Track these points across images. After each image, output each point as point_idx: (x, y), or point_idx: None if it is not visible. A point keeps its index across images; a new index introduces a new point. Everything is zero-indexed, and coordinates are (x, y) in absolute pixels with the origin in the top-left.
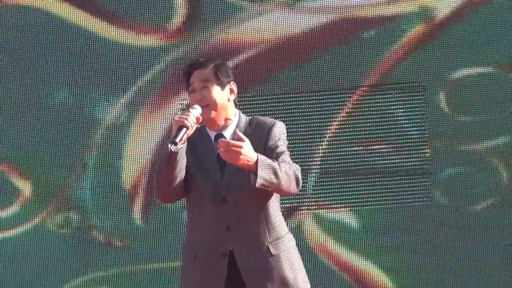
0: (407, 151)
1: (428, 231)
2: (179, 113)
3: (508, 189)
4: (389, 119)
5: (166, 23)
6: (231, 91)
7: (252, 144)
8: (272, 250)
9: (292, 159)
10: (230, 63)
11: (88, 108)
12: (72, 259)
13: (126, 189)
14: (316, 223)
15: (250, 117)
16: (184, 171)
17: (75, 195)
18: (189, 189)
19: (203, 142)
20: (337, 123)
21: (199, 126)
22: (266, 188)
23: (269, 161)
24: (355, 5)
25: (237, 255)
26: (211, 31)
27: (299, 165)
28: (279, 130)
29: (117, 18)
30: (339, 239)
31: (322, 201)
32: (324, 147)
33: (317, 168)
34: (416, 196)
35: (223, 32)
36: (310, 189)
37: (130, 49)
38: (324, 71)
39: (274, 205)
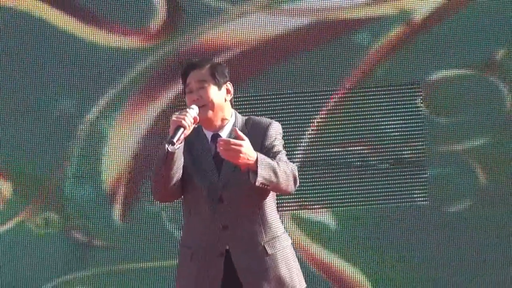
0: (387, 150)
1: (408, 231)
2: (177, 113)
3: (487, 190)
4: (367, 120)
5: (147, 25)
6: (228, 91)
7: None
8: (268, 250)
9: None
10: None
11: (68, 109)
12: (53, 259)
13: (106, 190)
14: (295, 223)
15: (246, 117)
16: (181, 171)
17: (56, 195)
18: (186, 189)
19: (200, 142)
20: (316, 125)
21: (196, 126)
22: (265, 186)
23: (269, 160)
24: (335, 8)
25: (233, 254)
26: (190, 33)
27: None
28: (275, 130)
29: (97, 19)
30: (317, 239)
31: (300, 201)
32: (300, 151)
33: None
34: (397, 195)
35: (202, 34)
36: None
37: (109, 51)
38: (304, 72)
39: (270, 204)
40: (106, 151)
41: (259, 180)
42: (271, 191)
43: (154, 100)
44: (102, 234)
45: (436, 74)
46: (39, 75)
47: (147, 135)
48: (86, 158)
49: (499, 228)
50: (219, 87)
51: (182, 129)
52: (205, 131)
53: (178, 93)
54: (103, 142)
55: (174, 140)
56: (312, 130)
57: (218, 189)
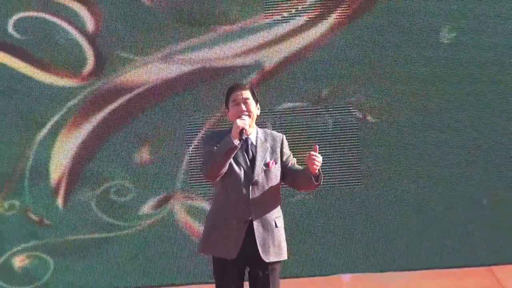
0: None
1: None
2: (239, 120)
3: None
4: None
5: (80, 70)
6: (258, 108)
7: (270, 148)
8: (276, 224)
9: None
10: (123, 99)
11: (24, 126)
12: (14, 233)
13: (52, 185)
14: (185, 210)
15: (260, 129)
16: None
17: (17, 187)
18: (226, 174)
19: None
20: None
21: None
22: (317, 183)
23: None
24: (212, 58)
25: (254, 223)
26: (111, 75)
27: None
28: (286, 143)
29: (44, 64)
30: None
31: (190, 192)
32: None
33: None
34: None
35: (119, 76)
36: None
37: (49, 87)
38: (182, 107)
39: (278, 193)
40: (52, 158)
41: (319, 179)
42: (280, 185)
43: (86, 121)
44: (49, 216)
45: (281, 105)
46: None
47: (82, 146)
48: (39, 162)
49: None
50: (256, 103)
51: (244, 131)
52: (246, 136)
53: (102, 117)
54: (50, 151)
55: (243, 137)
56: None
57: (251, 177)
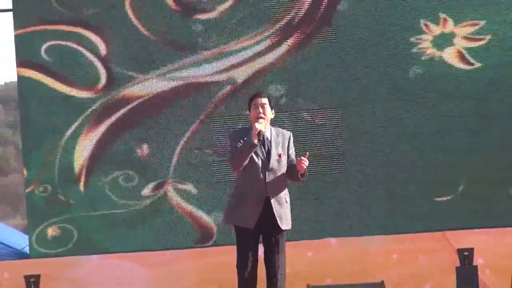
0: None
1: None
2: (257, 123)
3: None
4: None
5: (95, 84)
6: (273, 112)
7: (281, 142)
8: (286, 200)
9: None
10: (128, 107)
11: (53, 128)
12: (47, 210)
13: (76, 173)
14: (176, 192)
15: (273, 128)
16: None
17: (49, 175)
18: (248, 163)
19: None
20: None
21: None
22: (303, 177)
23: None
24: (196, 76)
25: (271, 200)
26: (118, 89)
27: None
28: (292, 139)
29: (66, 79)
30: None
31: (180, 178)
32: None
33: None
34: None
35: (125, 90)
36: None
37: (72, 98)
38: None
39: (286, 177)
40: (76, 153)
41: (304, 178)
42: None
43: (100, 124)
44: (73, 197)
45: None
46: None
47: (97, 143)
48: (65, 155)
49: None
50: (271, 109)
51: (261, 132)
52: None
53: (112, 121)
54: (74, 147)
55: (260, 138)
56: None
57: (267, 165)
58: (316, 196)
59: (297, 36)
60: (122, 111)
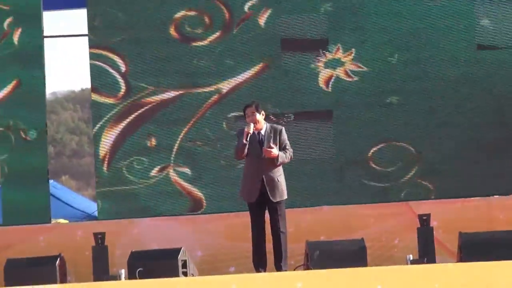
0: None
1: None
2: (246, 128)
3: None
4: None
5: (117, 93)
6: (263, 114)
7: (272, 137)
8: (278, 179)
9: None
10: (141, 110)
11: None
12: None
13: (100, 158)
14: (176, 173)
15: (268, 125)
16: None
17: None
18: (248, 154)
19: (253, 135)
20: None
21: (252, 131)
22: (278, 163)
23: (281, 153)
24: (192, 87)
25: (265, 180)
26: (134, 97)
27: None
28: (284, 132)
29: (96, 89)
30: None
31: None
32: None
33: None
34: None
35: (139, 97)
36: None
37: (99, 103)
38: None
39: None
40: (101, 144)
41: (277, 163)
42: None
43: (119, 123)
44: (98, 176)
45: (231, 114)
46: None
47: (117, 136)
48: (94, 146)
49: None
50: (259, 113)
51: (248, 134)
52: (255, 131)
53: (128, 121)
54: (99, 140)
55: (248, 139)
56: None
57: (260, 154)
58: (314, 178)
59: None
60: (136, 113)
